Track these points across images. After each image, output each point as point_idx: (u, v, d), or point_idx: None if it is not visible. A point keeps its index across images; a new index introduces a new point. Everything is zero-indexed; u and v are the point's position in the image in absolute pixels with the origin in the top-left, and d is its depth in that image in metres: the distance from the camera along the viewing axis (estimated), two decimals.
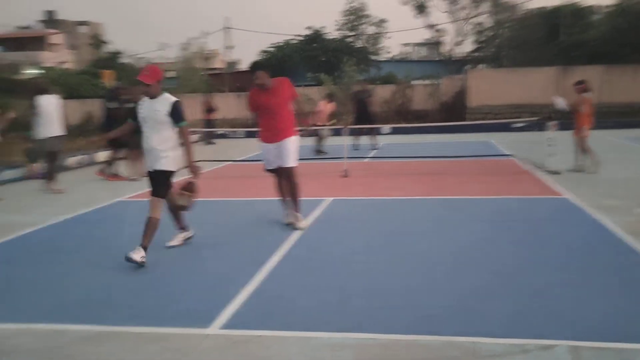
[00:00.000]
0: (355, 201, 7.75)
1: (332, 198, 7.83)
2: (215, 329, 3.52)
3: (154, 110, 4.90)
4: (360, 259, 4.92)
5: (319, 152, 13.67)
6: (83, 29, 56.24)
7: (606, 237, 5.36)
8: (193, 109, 25.38)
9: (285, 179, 6.15)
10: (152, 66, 5.10)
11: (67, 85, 30.15)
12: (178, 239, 5.52)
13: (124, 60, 43.35)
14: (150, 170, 5.07)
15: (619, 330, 3.31)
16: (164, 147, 4.96)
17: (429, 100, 25.23)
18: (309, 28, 33.43)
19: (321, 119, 13.65)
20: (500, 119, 20.25)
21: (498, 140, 15.59)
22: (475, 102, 23.35)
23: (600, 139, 12.54)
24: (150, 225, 4.90)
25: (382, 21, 34.28)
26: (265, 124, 6.05)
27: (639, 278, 4.21)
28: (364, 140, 14.81)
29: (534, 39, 29.50)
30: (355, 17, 33.76)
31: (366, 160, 12.61)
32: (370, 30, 34.58)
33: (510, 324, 3.44)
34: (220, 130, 19.92)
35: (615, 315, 3.53)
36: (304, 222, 6.13)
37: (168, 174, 5.04)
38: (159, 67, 5.14)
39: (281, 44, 34.32)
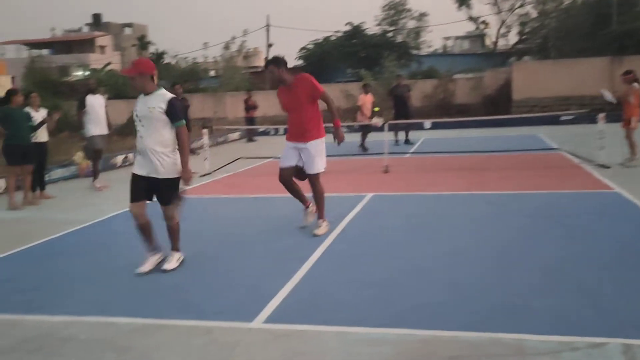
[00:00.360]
0: (395, 197, 7.70)
1: (373, 194, 7.80)
2: (258, 323, 3.57)
3: (149, 108, 4.47)
4: (401, 255, 4.89)
5: (363, 148, 13.46)
6: (128, 31, 57.90)
7: None
8: (235, 107, 25.89)
9: (310, 184, 5.84)
10: (139, 59, 4.81)
11: (114, 86, 31.11)
12: (150, 263, 4.74)
13: (168, 60, 44.34)
14: (146, 175, 4.62)
15: None
16: (162, 150, 4.52)
17: (471, 94, 24.81)
18: (348, 24, 33.38)
19: (365, 113, 13.43)
20: (548, 112, 19.75)
21: (545, 134, 15.17)
22: (520, 95, 22.77)
23: None
24: (176, 230, 4.82)
25: (423, 15, 33.94)
26: (290, 123, 5.80)
27: None
28: (402, 135, 14.72)
29: (583, 29, 28.54)
30: (395, 11, 33.52)
31: (407, 155, 12.50)
32: (411, 24, 34.27)
33: (558, 322, 3.35)
34: (261, 128, 20.14)
35: None
36: (323, 229, 5.71)
37: (176, 181, 4.69)
38: (148, 60, 4.75)
39: (321, 40, 34.41)
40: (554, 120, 17.72)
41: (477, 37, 39.81)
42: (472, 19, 33.61)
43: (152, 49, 50.49)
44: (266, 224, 6.42)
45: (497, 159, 10.84)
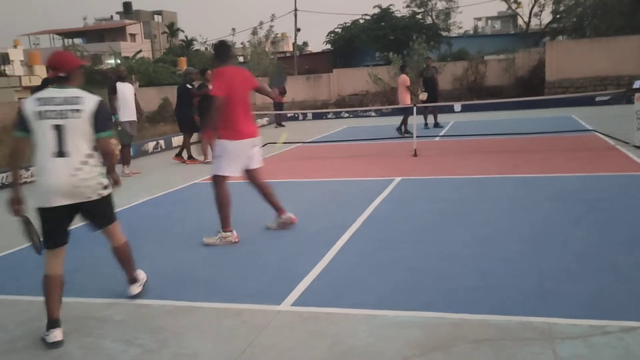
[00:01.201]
0: (424, 181, 7.64)
1: (401, 178, 7.76)
2: (286, 305, 3.62)
3: (68, 111, 3.32)
4: (430, 240, 4.87)
5: (402, 131, 13.12)
6: (158, 19, 58.44)
7: None
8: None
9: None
10: (59, 52, 3.59)
11: (145, 73, 31.52)
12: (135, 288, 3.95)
13: (197, 47, 44.68)
14: (70, 203, 3.38)
15: None
16: (83, 162, 3.37)
17: (503, 76, 24.30)
18: (377, 7, 32.91)
19: (406, 96, 13.13)
20: (583, 93, 19.22)
21: (580, 115, 14.77)
22: (554, 75, 22.18)
23: None
24: (125, 253, 3.82)
25: None
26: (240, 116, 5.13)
27: None
28: (430, 118, 14.56)
29: (620, 7, 27.55)
30: None
31: (437, 139, 12.36)
32: (440, 5, 33.62)
33: (590, 305, 3.30)
34: (290, 113, 20.16)
35: None
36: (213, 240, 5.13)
37: (110, 197, 3.63)
38: (70, 54, 3.79)
39: (349, 24, 34.08)
40: (589, 101, 17.24)
41: (509, 17, 38.84)
42: None
43: (181, 36, 51.02)
44: (295, 207, 6.45)
45: (530, 141, 10.62)
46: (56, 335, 3.30)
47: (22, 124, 3.35)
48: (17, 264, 4.98)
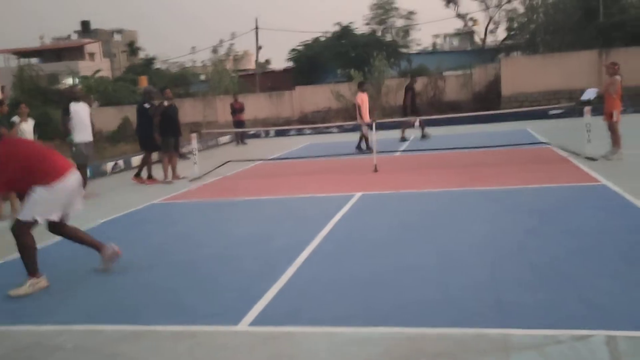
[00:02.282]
0: (384, 195, 7.70)
1: (362, 193, 7.81)
2: (244, 325, 3.56)
3: None
4: (388, 254, 4.89)
5: (362, 148, 13.16)
6: (118, 37, 57.66)
7: None
8: (225, 110, 25.78)
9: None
10: None
11: (104, 93, 30.97)
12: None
13: (158, 65, 44.20)
14: None
15: None
16: None
17: (461, 91, 24.91)
18: (337, 24, 33.36)
19: (364, 112, 13.19)
20: (537, 107, 19.83)
21: (534, 128, 15.22)
22: (509, 90, 22.86)
23: None
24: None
25: (411, 13, 33.99)
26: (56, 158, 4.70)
27: None
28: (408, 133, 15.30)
29: (571, 23, 28.68)
30: (383, 10, 33.50)
31: (397, 154, 12.51)
32: (400, 23, 34.30)
33: (545, 316, 3.36)
34: (252, 130, 20.08)
35: None
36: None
37: None
38: None
39: (310, 42, 34.38)
40: (543, 115, 17.80)
41: (466, 34, 39.93)
42: (460, 16, 33.71)
43: (141, 55, 50.43)
44: (255, 226, 6.40)
45: (487, 155, 10.87)
46: None
47: None
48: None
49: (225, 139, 18.89)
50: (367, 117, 13.15)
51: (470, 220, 5.89)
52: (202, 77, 38.57)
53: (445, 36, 57.88)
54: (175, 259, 5.08)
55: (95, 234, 6.64)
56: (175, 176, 10.65)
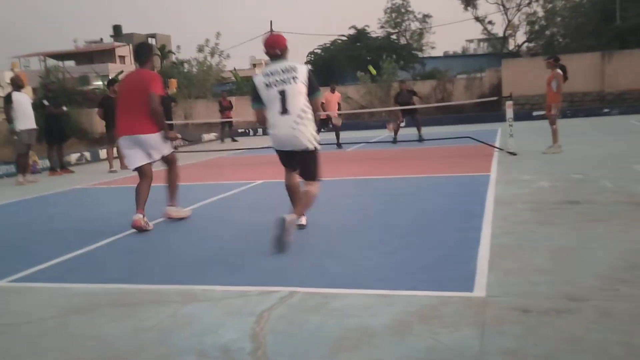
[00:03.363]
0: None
1: (262, 181, 8.02)
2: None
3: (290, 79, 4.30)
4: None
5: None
6: (152, 41, 59.59)
7: (468, 207, 5.20)
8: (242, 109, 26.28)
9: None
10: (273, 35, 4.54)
11: None
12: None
13: (188, 68, 45.30)
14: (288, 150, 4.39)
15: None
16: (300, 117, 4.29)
17: (466, 94, 24.64)
18: (352, 27, 33.52)
19: (329, 109, 13.29)
20: (539, 110, 19.43)
21: (504, 128, 14.90)
22: (510, 92, 22.40)
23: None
24: (306, 199, 4.44)
25: (427, 16, 33.77)
26: None
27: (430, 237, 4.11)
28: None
29: (589, 26, 27.93)
30: (397, 14, 33.44)
31: (350, 149, 12.61)
32: (414, 26, 34.16)
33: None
34: (240, 129, 20.29)
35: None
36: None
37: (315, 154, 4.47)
38: (281, 35, 4.53)
39: (328, 44, 34.68)
40: (527, 116, 17.54)
41: (486, 39, 39.40)
42: (478, 19, 33.20)
43: (173, 58, 51.86)
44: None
45: (430, 151, 10.88)
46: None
47: (256, 98, 4.37)
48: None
49: (210, 136, 19.32)
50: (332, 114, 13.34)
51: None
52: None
53: (479, 41, 57.22)
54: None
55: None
56: (123, 166, 11.09)
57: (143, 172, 5.29)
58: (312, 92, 4.33)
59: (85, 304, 3.18)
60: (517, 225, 4.34)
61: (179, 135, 6.25)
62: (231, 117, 18.85)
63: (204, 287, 3.34)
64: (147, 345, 2.56)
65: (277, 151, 4.52)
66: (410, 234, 4.35)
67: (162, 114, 5.26)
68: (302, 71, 4.32)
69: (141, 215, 5.08)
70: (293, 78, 4.25)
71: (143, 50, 5.47)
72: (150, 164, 5.32)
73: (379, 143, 13.75)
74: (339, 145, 13.15)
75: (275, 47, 4.37)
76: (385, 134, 15.34)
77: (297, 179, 4.62)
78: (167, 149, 5.39)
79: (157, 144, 5.25)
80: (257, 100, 4.41)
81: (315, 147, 4.38)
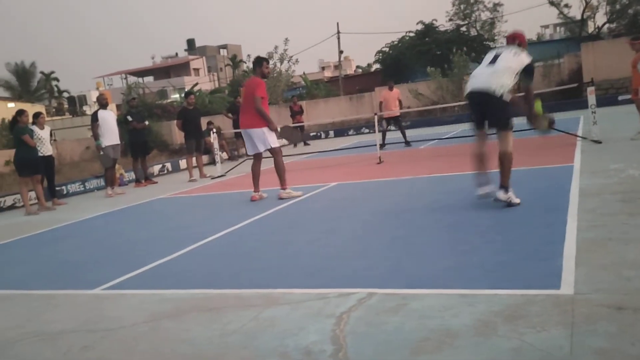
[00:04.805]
0: (358, 184, 7.89)
1: (337, 183, 8.06)
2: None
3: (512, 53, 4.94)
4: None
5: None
6: (224, 52, 61.61)
7: (551, 200, 4.97)
8: (313, 113, 26.69)
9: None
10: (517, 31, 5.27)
11: (201, 105, 33.44)
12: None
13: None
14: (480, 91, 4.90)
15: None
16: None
17: (544, 82, 23.54)
18: (420, 22, 32.94)
19: (388, 108, 13.28)
20: (625, 94, 18.29)
21: (587, 116, 14.08)
22: (591, 78, 21.20)
23: None
24: (503, 162, 4.85)
25: (497, 5, 32.55)
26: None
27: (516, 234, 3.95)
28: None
29: None
30: (466, 5, 32.47)
31: (423, 147, 12.41)
32: (484, 16, 33.02)
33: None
34: (312, 132, 20.47)
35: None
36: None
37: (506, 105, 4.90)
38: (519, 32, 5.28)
39: (396, 42, 34.28)
40: (614, 101, 16.47)
41: (563, 24, 37.45)
42: (552, 3, 31.57)
43: (244, 67, 53.35)
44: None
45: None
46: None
47: None
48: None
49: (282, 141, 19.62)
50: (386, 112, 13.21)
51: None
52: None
53: (555, 26, 54.59)
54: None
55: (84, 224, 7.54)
56: (202, 175, 11.55)
57: (257, 157, 7.08)
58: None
59: (174, 309, 3.33)
60: (606, 218, 4.11)
61: (279, 129, 7.21)
62: (302, 122, 19.11)
63: (284, 290, 3.40)
64: (232, 349, 2.65)
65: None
66: (491, 231, 4.23)
67: (265, 112, 6.73)
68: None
69: (255, 193, 7.06)
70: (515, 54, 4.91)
71: (254, 61, 7.19)
72: (260, 153, 6.96)
73: (452, 139, 13.42)
74: (407, 143, 13.09)
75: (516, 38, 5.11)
76: (460, 129, 14.97)
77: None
78: (272, 143, 6.83)
79: (261, 137, 6.80)
80: None
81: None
